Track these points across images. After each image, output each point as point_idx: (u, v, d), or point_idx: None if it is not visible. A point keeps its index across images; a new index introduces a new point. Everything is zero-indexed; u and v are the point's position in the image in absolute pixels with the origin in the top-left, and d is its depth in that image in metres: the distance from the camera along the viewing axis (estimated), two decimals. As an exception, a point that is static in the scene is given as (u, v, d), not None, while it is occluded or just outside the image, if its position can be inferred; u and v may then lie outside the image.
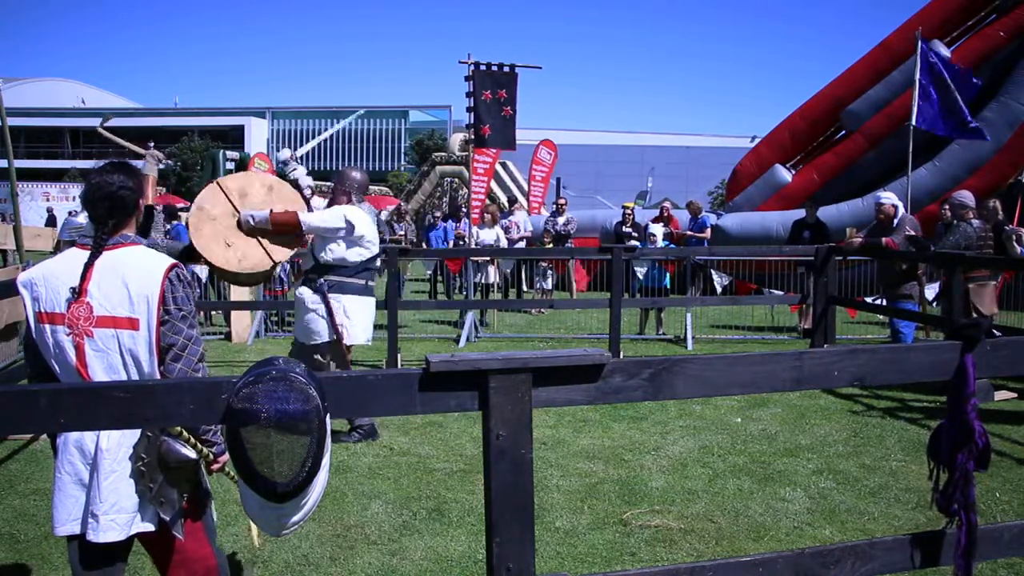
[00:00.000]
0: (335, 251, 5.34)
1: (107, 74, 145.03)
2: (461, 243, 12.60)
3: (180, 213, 12.00)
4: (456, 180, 23.61)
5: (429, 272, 13.24)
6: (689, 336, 9.39)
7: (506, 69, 9.39)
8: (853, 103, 14.37)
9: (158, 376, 2.38)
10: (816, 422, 5.91)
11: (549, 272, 12.57)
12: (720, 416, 6.06)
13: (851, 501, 4.34)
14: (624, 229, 11.97)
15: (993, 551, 2.52)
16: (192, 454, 2.38)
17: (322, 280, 5.33)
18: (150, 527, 2.39)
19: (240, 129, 55.82)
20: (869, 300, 9.31)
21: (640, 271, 10.36)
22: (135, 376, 2.37)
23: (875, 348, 2.28)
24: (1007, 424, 5.77)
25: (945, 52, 13.52)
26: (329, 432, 1.98)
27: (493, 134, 9.43)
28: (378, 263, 5.82)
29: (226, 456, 2.62)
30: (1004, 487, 4.51)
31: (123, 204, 2.43)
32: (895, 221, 7.42)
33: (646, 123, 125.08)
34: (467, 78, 9.38)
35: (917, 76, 9.43)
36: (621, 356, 7.70)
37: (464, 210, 13.14)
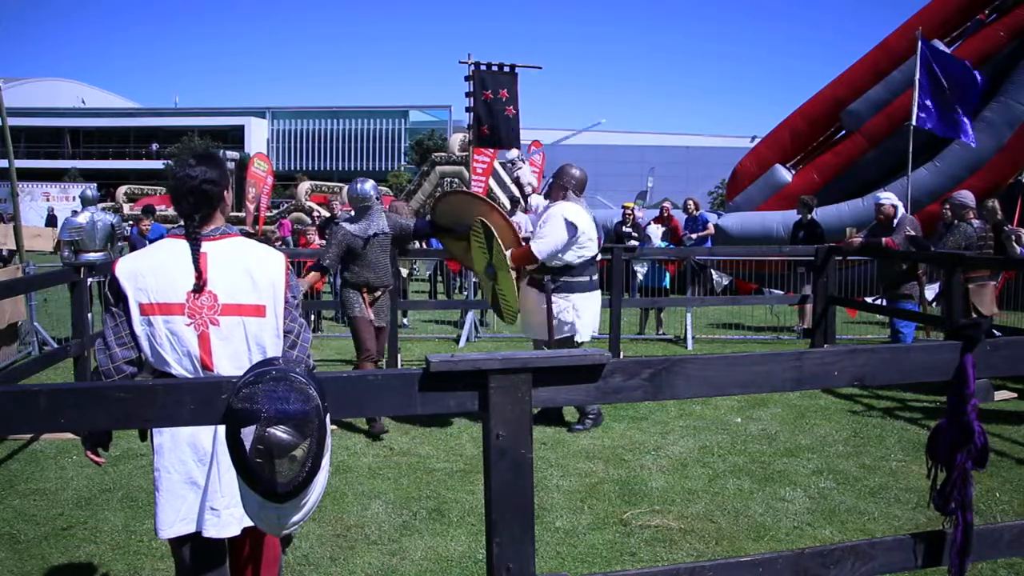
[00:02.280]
0: (560, 257, 5.47)
1: (107, 74, 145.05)
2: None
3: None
4: (456, 180, 23.61)
5: (428, 272, 13.24)
6: (689, 336, 9.40)
7: (506, 69, 9.39)
8: (853, 103, 14.37)
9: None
10: (816, 422, 5.91)
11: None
12: (720, 416, 6.06)
13: (851, 501, 4.34)
14: (624, 229, 11.97)
15: (993, 551, 2.53)
16: None
17: (547, 278, 5.45)
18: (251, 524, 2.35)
19: (240, 129, 55.83)
20: (869, 300, 9.31)
21: (640, 271, 10.36)
22: (257, 361, 2.34)
23: (875, 348, 2.28)
24: (1007, 424, 5.77)
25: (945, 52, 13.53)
26: (329, 432, 1.98)
27: (494, 134, 9.43)
28: (599, 257, 5.97)
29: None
30: (1004, 487, 4.51)
31: (208, 198, 2.43)
32: (895, 221, 7.42)
33: (646, 123, 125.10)
34: (467, 78, 9.38)
35: (917, 76, 9.43)
36: (621, 356, 7.70)
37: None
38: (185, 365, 2.39)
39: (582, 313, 5.56)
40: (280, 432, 1.84)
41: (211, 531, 2.39)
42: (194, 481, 2.40)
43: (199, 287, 2.34)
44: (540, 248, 5.37)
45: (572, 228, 5.40)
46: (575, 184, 5.65)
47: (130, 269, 2.39)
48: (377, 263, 5.66)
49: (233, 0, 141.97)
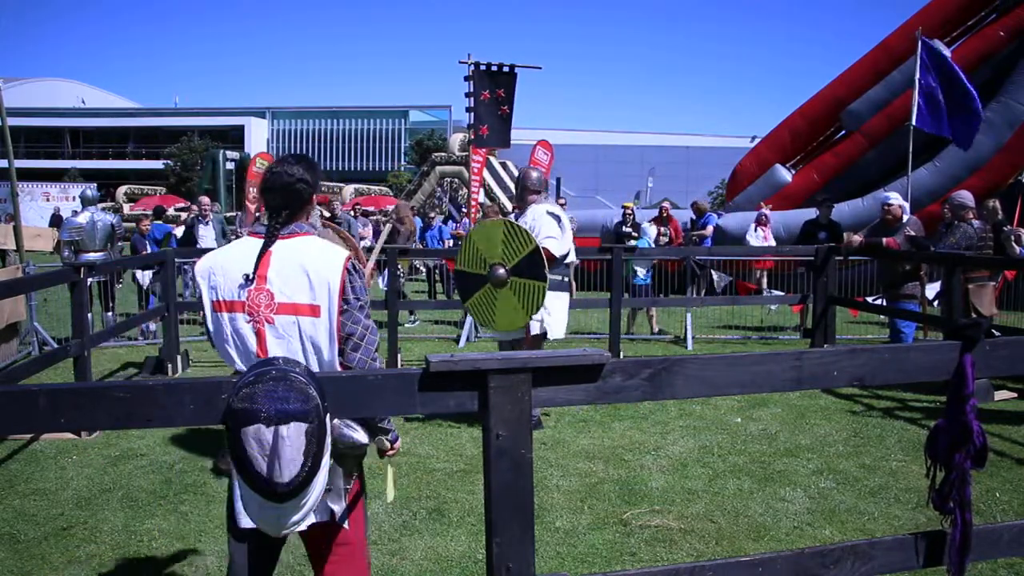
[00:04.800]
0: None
1: (107, 74, 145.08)
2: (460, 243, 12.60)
3: (182, 214, 11.99)
4: (456, 180, 23.61)
5: (423, 271, 13.27)
6: (689, 336, 9.39)
7: (506, 69, 9.38)
8: (853, 103, 14.38)
9: (337, 364, 2.38)
10: (816, 422, 5.91)
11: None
12: (720, 416, 6.06)
13: (851, 501, 4.34)
14: (624, 229, 11.97)
15: (993, 551, 2.52)
16: (364, 439, 2.35)
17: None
18: (324, 518, 2.36)
19: (240, 129, 55.84)
20: (869, 300, 9.30)
21: (641, 270, 10.40)
22: (314, 362, 2.36)
23: (875, 348, 2.28)
24: (1007, 424, 5.77)
25: (945, 52, 13.53)
26: (329, 432, 1.98)
27: (491, 133, 9.43)
28: (572, 258, 5.97)
29: (399, 443, 2.68)
30: (1004, 487, 4.51)
31: (298, 196, 2.44)
32: (903, 222, 7.41)
33: (646, 123, 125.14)
34: (467, 78, 9.37)
35: (917, 76, 9.44)
36: (621, 356, 7.70)
37: (464, 210, 13.14)
38: (247, 360, 2.38)
39: (553, 311, 5.63)
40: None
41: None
42: None
43: (250, 283, 2.35)
44: (558, 249, 5.53)
45: (559, 220, 5.64)
46: (542, 185, 5.83)
47: (204, 267, 2.43)
48: None
49: (233, 0, 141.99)
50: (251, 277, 2.34)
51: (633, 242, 11.17)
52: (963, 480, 2.34)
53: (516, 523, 1.99)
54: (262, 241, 2.39)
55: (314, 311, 2.35)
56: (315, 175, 2.49)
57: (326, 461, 2.02)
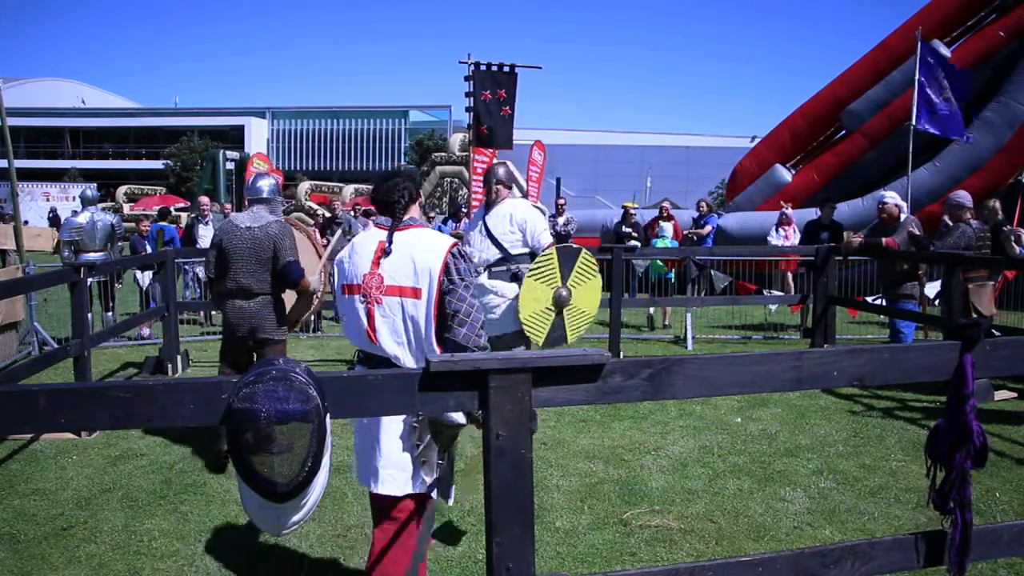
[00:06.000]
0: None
1: (107, 74, 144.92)
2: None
3: (181, 214, 12.00)
4: (456, 180, 23.61)
5: None
6: (689, 336, 9.40)
7: (506, 69, 9.38)
8: (853, 103, 14.38)
9: (433, 340, 2.66)
10: (816, 422, 5.91)
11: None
12: (720, 416, 6.06)
13: (851, 501, 4.34)
14: (624, 229, 11.97)
15: (993, 551, 2.52)
16: (462, 419, 2.57)
17: (522, 268, 5.33)
18: (419, 490, 2.69)
19: (240, 129, 55.84)
20: (869, 300, 9.30)
21: (640, 266, 10.56)
22: (414, 339, 2.70)
23: (875, 348, 2.28)
24: (1007, 424, 5.77)
25: (945, 52, 13.53)
26: (329, 432, 1.98)
27: (491, 134, 9.43)
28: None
29: None
30: (1004, 487, 4.51)
31: (410, 195, 2.82)
32: (900, 221, 7.41)
33: (645, 123, 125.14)
34: (467, 78, 9.37)
35: (917, 76, 9.44)
36: (621, 356, 7.70)
37: (464, 210, 13.14)
38: (359, 337, 2.75)
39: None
40: (280, 432, 1.88)
41: (373, 487, 2.72)
42: (371, 445, 2.73)
43: (385, 254, 2.70)
44: (549, 240, 5.37)
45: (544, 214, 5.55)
46: (511, 178, 5.64)
47: (339, 256, 2.87)
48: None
49: (233, 0, 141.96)
50: (372, 261, 2.73)
51: (655, 240, 11.35)
52: (963, 480, 2.34)
53: (516, 523, 1.99)
54: (383, 233, 2.77)
55: (416, 293, 2.67)
56: (416, 182, 2.93)
57: (326, 461, 2.02)
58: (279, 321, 4.99)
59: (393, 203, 2.80)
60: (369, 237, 2.81)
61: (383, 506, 2.76)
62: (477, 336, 2.65)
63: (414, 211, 2.86)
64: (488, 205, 5.47)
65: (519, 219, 5.37)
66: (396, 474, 2.67)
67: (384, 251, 2.71)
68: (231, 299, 4.91)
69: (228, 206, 13.87)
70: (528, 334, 5.17)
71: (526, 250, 5.34)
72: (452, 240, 2.76)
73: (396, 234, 2.75)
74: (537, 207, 5.59)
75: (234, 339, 5.00)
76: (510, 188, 5.57)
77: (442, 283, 2.64)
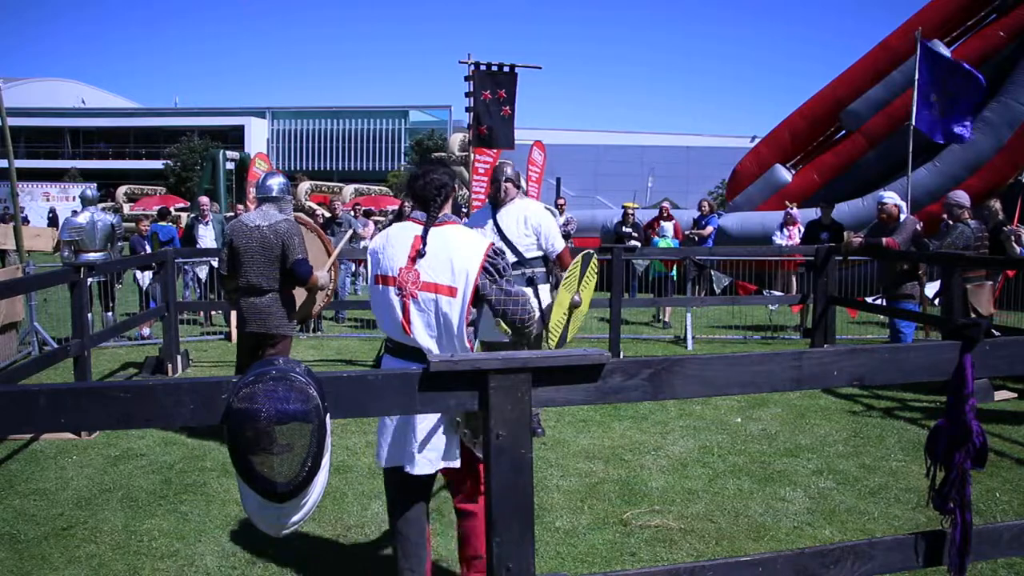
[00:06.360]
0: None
1: (107, 74, 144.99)
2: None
3: (181, 214, 12.00)
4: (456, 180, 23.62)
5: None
6: (689, 336, 9.39)
7: (506, 69, 9.38)
8: (853, 103, 14.37)
9: (465, 337, 2.82)
10: (816, 422, 5.91)
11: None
12: (720, 416, 6.06)
13: (851, 501, 4.34)
14: (624, 229, 11.97)
15: (993, 551, 2.53)
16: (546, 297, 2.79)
17: (539, 272, 5.33)
18: (455, 463, 2.86)
19: (240, 129, 55.84)
20: (869, 300, 9.30)
21: (640, 266, 10.59)
22: (445, 333, 2.81)
23: (875, 348, 2.28)
24: (1007, 424, 5.77)
25: (945, 52, 13.52)
26: (329, 432, 1.98)
27: (491, 134, 9.43)
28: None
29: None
30: (1004, 487, 4.51)
31: (448, 192, 2.94)
32: (900, 221, 7.41)
33: (646, 123, 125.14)
34: (467, 78, 9.37)
35: (917, 76, 9.43)
36: (621, 356, 7.70)
37: (464, 210, 13.14)
38: (393, 328, 2.87)
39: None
40: (280, 432, 1.89)
41: (408, 469, 2.85)
42: (401, 427, 2.86)
43: (420, 255, 2.79)
44: (563, 244, 5.38)
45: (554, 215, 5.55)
46: (518, 178, 5.54)
47: (373, 245, 2.97)
48: None
49: (233, 0, 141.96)
50: (413, 256, 2.81)
51: (656, 239, 11.42)
52: (963, 480, 2.34)
53: (516, 523, 1.99)
54: (419, 227, 2.86)
55: (452, 292, 2.78)
56: (453, 174, 3.02)
57: (326, 461, 2.02)
58: (288, 317, 5.15)
59: (430, 199, 2.90)
60: (404, 230, 2.90)
61: (417, 485, 2.95)
62: (525, 314, 2.87)
63: (448, 207, 2.96)
64: (496, 203, 5.33)
65: (534, 222, 5.25)
66: (429, 455, 2.83)
67: (419, 252, 2.80)
68: (243, 296, 5.06)
69: (240, 207, 13.90)
70: (547, 340, 5.15)
71: (540, 253, 5.28)
72: (488, 240, 2.89)
73: (432, 230, 2.84)
74: (549, 209, 5.53)
75: (243, 332, 5.18)
76: (519, 187, 5.46)
77: (479, 284, 2.79)
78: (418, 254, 2.80)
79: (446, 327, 2.79)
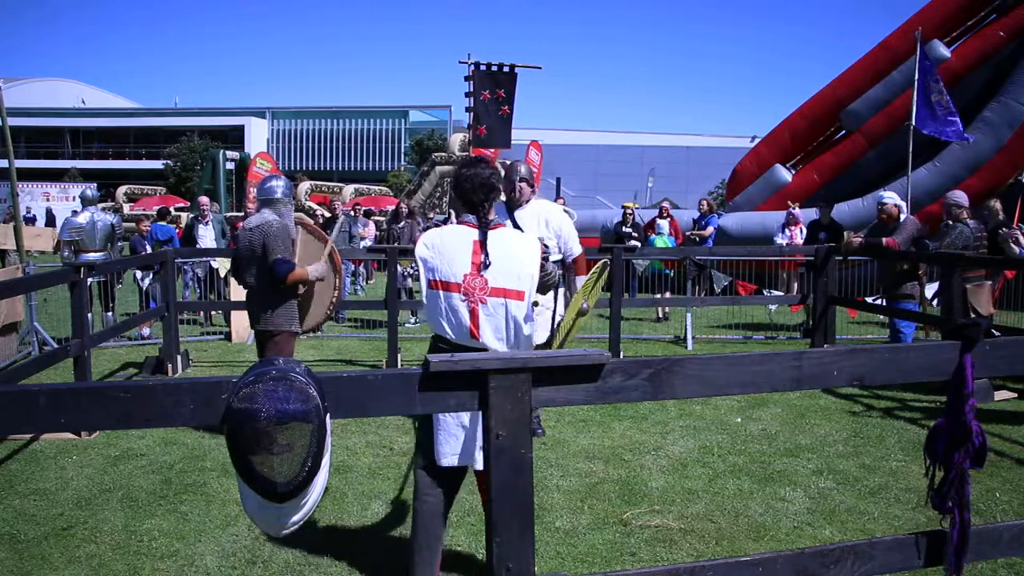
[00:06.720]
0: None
1: (107, 74, 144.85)
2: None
3: (181, 214, 12.00)
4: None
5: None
6: (689, 336, 9.39)
7: (506, 69, 9.38)
8: (853, 103, 14.37)
9: (534, 337, 2.97)
10: (816, 422, 5.91)
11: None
12: (720, 416, 6.06)
13: (851, 501, 4.34)
14: (624, 229, 11.98)
15: (992, 551, 2.53)
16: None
17: (559, 275, 5.25)
18: None
19: (240, 129, 55.82)
20: (869, 300, 9.31)
21: (640, 266, 10.61)
22: (513, 336, 2.92)
23: (875, 348, 2.28)
24: (1007, 424, 5.78)
25: (945, 52, 13.53)
26: (329, 432, 1.98)
27: (490, 134, 9.43)
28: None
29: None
30: (1004, 487, 4.51)
31: (495, 189, 3.04)
32: (900, 221, 7.41)
33: (646, 123, 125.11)
34: (467, 78, 9.38)
35: (917, 77, 9.44)
36: (621, 356, 7.70)
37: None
38: (459, 333, 2.92)
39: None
40: (280, 432, 1.88)
41: (478, 466, 2.90)
42: (463, 424, 2.92)
43: (485, 266, 2.87)
44: (580, 248, 5.35)
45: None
46: (532, 175, 5.43)
47: (423, 251, 2.96)
48: None
49: (233, 0, 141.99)
50: (479, 264, 2.88)
51: (653, 237, 11.46)
52: (962, 480, 2.34)
53: (516, 523, 1.99)
54: (474, 231, 2.93)
55: (519, 296, 2.89)
56: (498, 175, 3.07)
57: (326, 461, 2.02)
58: (280, 313, 5.23)
59: (479, 204, 2.97)
60: (457, 234, 2.96)
61: (460, 479, 3.09)
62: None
63: (492, 209, 3.05)
64: (511, 204, 5.23)
65: (555, 225, 5.20)
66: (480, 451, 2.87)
67: (483, 264, 2.88)
68: (246, 295, 5.40)
69: (251, 207, 13.91)
70: (556, 343, 5.14)
71: (559, 257, 5.23)
72: (538, 240, 3.03)
73: (491, 233, 2.94)
74: (567, 211, 5.50)
75: (253, 331, 5.50)
76: (533, 188, 5.36)
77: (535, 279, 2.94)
78: (484, 265, 2.88)
79: (516, 328, 2.91)
